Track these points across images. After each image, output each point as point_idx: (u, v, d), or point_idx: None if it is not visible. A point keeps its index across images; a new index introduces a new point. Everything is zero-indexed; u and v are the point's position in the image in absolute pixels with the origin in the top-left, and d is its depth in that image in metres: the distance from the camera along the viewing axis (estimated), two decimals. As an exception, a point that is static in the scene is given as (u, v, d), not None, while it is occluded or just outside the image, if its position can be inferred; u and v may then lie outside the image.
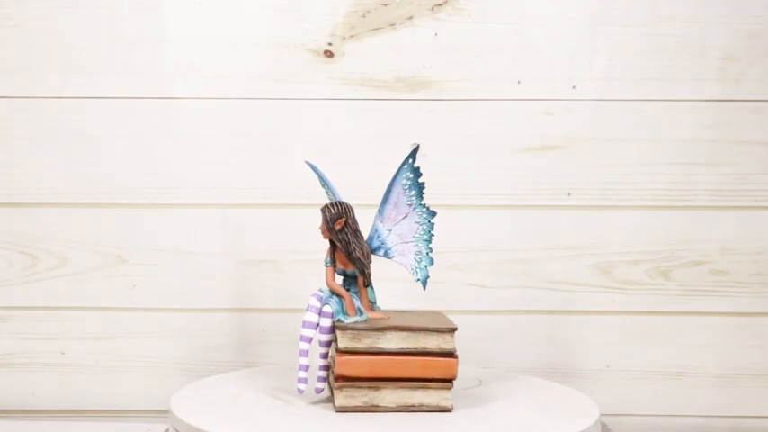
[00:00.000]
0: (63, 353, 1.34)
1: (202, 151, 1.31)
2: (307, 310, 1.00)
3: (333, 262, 1.03)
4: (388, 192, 1.03)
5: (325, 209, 1.01)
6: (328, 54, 1.30)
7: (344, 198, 1.04)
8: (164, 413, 1.26)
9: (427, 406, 1.00)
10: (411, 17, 1.30)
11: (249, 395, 1.06)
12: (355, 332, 0.99)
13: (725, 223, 1.30)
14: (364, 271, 1.03)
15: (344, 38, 1.30)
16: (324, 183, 1.08)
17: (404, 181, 1.03)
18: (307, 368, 1.00)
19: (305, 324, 1.00)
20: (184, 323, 1.33)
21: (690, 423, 1.33)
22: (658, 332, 1.32)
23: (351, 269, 1.03)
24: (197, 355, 1.33)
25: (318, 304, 1.00)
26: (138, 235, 1.32)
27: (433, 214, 1.05)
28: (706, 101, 1.29)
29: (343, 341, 0.99)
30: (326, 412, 0.99)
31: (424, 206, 1.05)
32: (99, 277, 1.33)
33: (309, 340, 1.00)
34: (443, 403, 1.00)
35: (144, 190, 1.31)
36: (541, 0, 1.29)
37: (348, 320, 1.00)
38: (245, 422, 0.96)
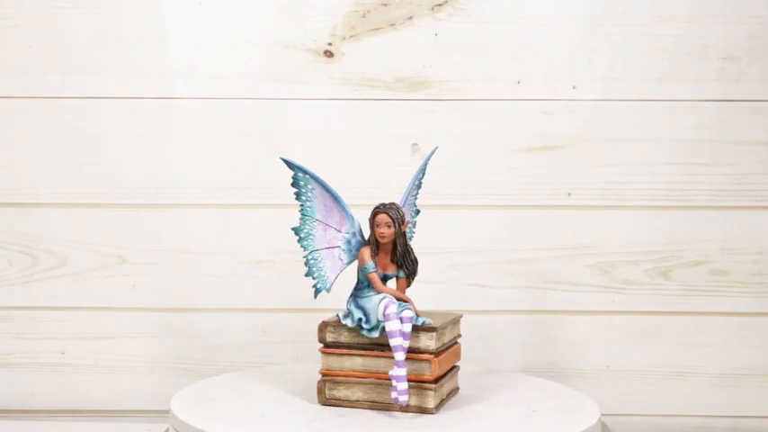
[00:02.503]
0: (63, 353, 1.34)
1: (202, 151, 1.31)
2: (389, 318, 0.96)
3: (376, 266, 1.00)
4: (408, 193, 1.03)
5: (392, 210, 0.98)
6: (328, 54, 1.30)
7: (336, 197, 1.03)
8: (164, 413, 1.26)
9: (453, 390, 1.06)
10: (411, 17, 1.30)
11: (249, 395, 1.06)
12: (441, 332, 1.00)
13: (725, 223, 1.30)
14: (415, 272, 1.01)
15: (344, 38, 1.30)
16: (306, 181, 1.01)
17: (417, 182, 1.03)
18: (405, 378, 0.96)
19: (394, 333, 0.95)
20: (184, 323, 1.33)
21: (690, 423, 1.33)
22: (658, 332, 1.32)
23: (391, 272, 1.01)
24: (197, 355, 1.33)
25: (397, 310, 0.97)
26: (138, 235, 1.32)
27: (418, 212, 1.06)
28: (706, 101, 1.29)
29: (437, 342, 0.99)
30: (327, 411, 0.99)
31: (415, 205, 1.06)
32: (99, 277, 1.33)
33: (403, 349, 0.96)
34: (456, 384, 1.08)
35: (144, 190, 1.31)
36: (541, 0, 1.29)
37: (431, 322, 0.99)
38: (245, 422, 0.96)
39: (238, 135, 1.31)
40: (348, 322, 1.00)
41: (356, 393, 1.01)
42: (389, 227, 0.98)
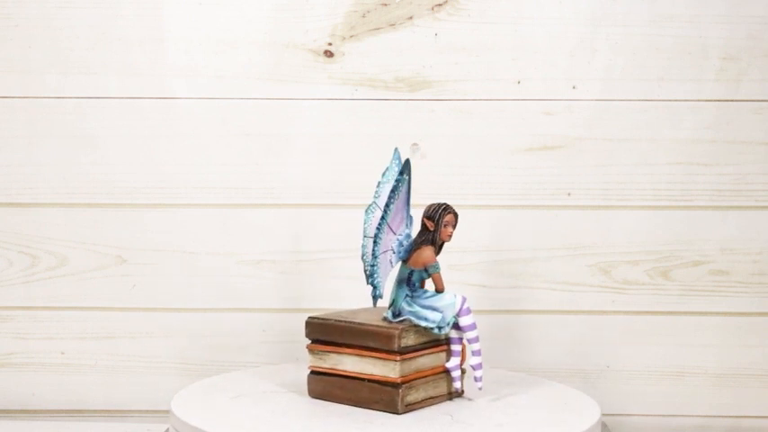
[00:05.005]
0: (63, 353, 1.34)
1: (202, 151, 1.31)
2: (466, 313, 1.01)
3: None
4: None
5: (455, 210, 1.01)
6: (328, 54, 1.30)
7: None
8: (164, 413, 1.26)
9: None
10: (411, 17, 1.30)
11: (249, 395, 1.06)
12: None
13: (725, 223, 1.30)
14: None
15: (344, 38, 1.30)
16: (403, 182, 0.99)
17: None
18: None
19: (474, 326, 1.01)
20: (184, 323, 1.33)
21: (690, 423, 1.33)
22: (658, 332, 1.32)
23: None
24: (197, 355, 1.33)
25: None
26: (138, 235, 1.32)
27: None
28: (706, 101, 1.29)
29: None
30: (327, 411, 0.99)
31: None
32: (99, 277, 1.33)
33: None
34: None
35: (144, 190, 1.31)
36: (541, 0, 1.29)
37: None
38: (245, 422, 0.96)
39: (238, 135, 1.31)
40: (428, 324, 0.99)
41: (420, 393, 1.01)
42: (454, 227, 1.01)
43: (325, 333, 1.03)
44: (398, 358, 0.98)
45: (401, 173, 0.98)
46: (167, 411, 1.02)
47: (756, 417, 1.32)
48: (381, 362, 0.98)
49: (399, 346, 0.97)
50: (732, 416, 1.33)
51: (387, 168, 1.06)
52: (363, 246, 1.01)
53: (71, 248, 1.32)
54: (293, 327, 1.32)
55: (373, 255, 0.98)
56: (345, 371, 1.01)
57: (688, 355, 1.32)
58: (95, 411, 1.34)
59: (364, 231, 1.01)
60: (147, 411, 1.33)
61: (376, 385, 0.99)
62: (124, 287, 1.33)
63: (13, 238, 1.33)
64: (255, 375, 1.16)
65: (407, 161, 0.99)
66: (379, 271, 0.98)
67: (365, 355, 1.00)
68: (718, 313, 1.31)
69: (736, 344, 1.32)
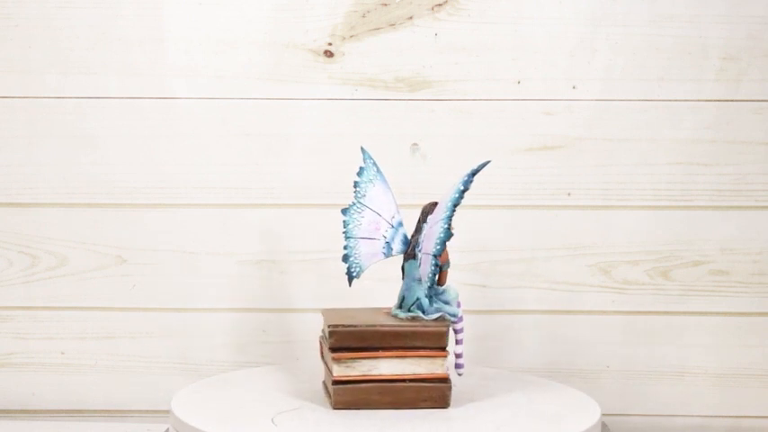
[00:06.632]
0: (63, 353, 1.34)
1: (202, 151, 1.31)
2: (461, 305, 1.03)
3: None
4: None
5: None
6: (328, 54, 1.30)
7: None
8: (164, 413, 1.26)
9: None
10: (411, 17, 1.30)
11: (249, 395, 1.06)
12: None
13: (725, 223, 1.30)
14: None
15: (344, 38, 1.30)
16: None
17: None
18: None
19: (462, 318, 1.04)
20: (184, 323, 1.33)
21: (690, 423, 1.33)
22: (658, 332, 1.32)
23: None
24: (197, 355, 1.33)
25: None
26: (138, 235, 1.32)
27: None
28: (706, 101, 1.29)
29: None
30: (326, 411, 0.99)
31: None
32: (99, 277, 1.33)
33: None
34: None
35: (144, 190, 1.31)
36: (541, 0, 1.29)
37: None
38: (244, 422, 0.96)
39: (238, 135, 1.31)
40: (451, 318, 1.02)
41: None
42: None
43: (357, 339, 0.99)
44: (446, 354, 0.99)
45: (473, 173, 1.02)
46: (167, 411, 1.02)
47: (756, 417, 1.32)
48: (428, 360, 0.99)
49: (447, 342, 1.00)
50: (732, 416, 1.33)
51: (362, 168, 1.07)
52: (350, 247, 1.03)
53: (71, 248, 1.32)
54: (293, 327, 1.32)
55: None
56: (381, 375, 0.99)
57: (688, 355, 1.32)
58: (95, 411, 1.34)
59: (349, 232, 1.03)
60: (147, 411, 1.33)
61: (422, 384, 0.99)
62: (124, 287, 1.33)
63: (13, 238, 1.33)
64: (255, 375, 1.16)
65: (486, 163, 1.03)
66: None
67: (408, 356, 0.99)
68: (718, 313, 1.31)
69: (736, 344, 1.32)
